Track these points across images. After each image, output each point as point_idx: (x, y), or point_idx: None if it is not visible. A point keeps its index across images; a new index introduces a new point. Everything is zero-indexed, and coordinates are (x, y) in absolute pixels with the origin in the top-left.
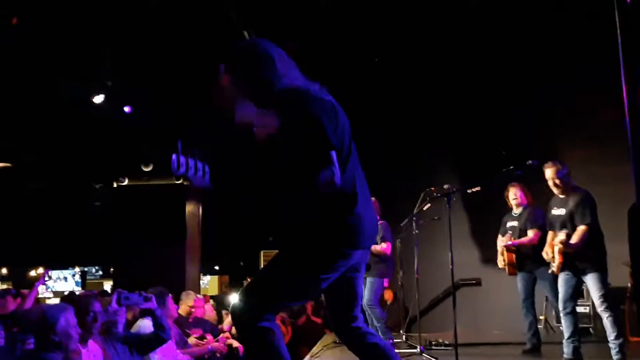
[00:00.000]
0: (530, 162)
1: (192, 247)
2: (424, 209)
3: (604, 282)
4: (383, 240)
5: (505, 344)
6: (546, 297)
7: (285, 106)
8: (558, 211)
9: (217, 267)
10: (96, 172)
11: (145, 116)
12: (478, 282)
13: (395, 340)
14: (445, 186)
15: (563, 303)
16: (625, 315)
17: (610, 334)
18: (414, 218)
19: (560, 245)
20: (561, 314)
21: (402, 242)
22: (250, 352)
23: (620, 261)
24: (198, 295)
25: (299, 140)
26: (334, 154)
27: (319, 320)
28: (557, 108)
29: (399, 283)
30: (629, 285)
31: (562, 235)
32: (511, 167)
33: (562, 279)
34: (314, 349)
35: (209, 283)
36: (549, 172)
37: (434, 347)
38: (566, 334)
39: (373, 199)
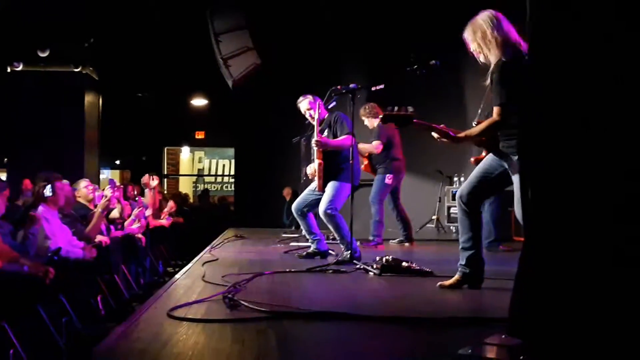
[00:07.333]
0: (433, 61)
1: (91, 139)
2: (329, 106)
3: (337, 189)
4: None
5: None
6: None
7: None
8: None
9: (118, 162)
10: None
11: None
12: None
13: (296, 235)
14: (351, 85)
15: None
16: (512, 218)
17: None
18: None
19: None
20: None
21: (306, 141)
22: None
23: None
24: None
25: None
26: None
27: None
28: None
29: (301, 182)
30: None
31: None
32: (415, 66)
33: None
34: (215, 241)
35: (109, 177)
36: (305, 105)
37: (331, 241)
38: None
39: None
